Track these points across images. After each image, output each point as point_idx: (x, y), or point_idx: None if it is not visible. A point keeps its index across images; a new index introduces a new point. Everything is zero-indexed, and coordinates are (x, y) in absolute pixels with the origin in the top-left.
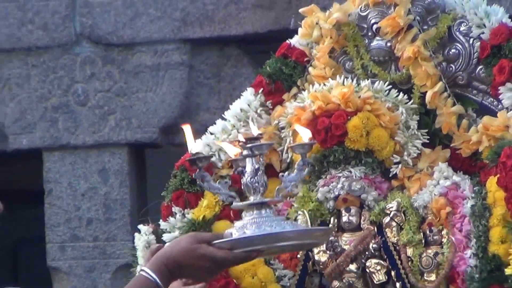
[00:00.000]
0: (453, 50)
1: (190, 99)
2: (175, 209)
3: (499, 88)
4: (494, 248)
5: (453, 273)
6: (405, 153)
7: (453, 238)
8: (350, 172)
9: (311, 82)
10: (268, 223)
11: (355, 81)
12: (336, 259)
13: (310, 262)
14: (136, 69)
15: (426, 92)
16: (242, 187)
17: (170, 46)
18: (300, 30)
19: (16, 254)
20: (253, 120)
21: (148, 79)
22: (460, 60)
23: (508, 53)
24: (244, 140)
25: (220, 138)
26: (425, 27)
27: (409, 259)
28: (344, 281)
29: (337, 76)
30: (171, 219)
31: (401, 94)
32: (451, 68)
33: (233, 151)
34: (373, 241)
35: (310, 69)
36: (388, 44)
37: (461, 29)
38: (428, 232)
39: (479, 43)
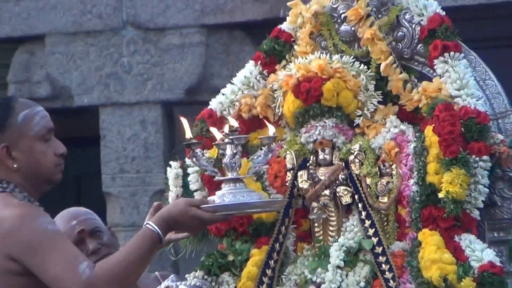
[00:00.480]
0: (400, 33)
1: (206, 69)
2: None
3: (434, 61)
4: (430, 179)
5: (400, 197)
6: (365, 108)
7: (400, 171)
8: (325, 122)
9: (296, 56)
10: (241, 194)
11: (328, 55)
12: (315, 186)
13: (296, 189)
14: (167, 47)
15: (381, 63)
16: (223, 166)
17: (192, 30)
18: (288, 18)
19: (79, 184)
20: (254, 84)
21: (176, 54)
22: (405, 40)
23: (440, 35)
24: (227, 132)
25: (229, 97)
26: (380, 16)
27: (368, 186)
28: (320, 202)
29: (315, 52)
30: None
31: (362, 65)
32: (398, 46)
33: (218, 136)
34: (341, 173)
35: (295, 47)
36: (353, 28)
37: (406, 17)
38: (382, 166)
39: (419, 27)
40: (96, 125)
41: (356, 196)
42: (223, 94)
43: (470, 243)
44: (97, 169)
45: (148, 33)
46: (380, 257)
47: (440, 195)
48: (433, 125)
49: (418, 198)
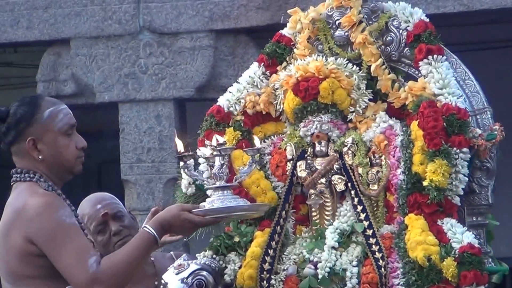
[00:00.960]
0: (388, 37)
1: (215, 69)
2: (207, 142)
3: (419, 62)
4: (415, 168)
5: (389, 184)
6: (357, 105)
7: (389, 162)
8: (321, 118)
9: (296, 58)
10: (229, 199)
11: (324, 58)
12: (312, 175)
13: (295, 177)
14: (179, 49)
15: (371, 65)
16: (212, 175)
17: (202, 34)
18: (288, 24)
19: (100, 172)
20: (257, 83)
21: (187, 56)
22: (393, 44)
23: (425, 39)
24: (215, 145)
25: (235, 95)
26: (370, 22)
27: (360, 175)
28: (317, 189)
29: (313, 55)
30: (206, 143)
31: (355, 66)
32: (387, 49)
33: (207, 152)
34: (336, 163)
35: (295, 50)
36: (346, 33)
37: (394, 23)
38: (372, 157)
39: (406, 32)
40: (116, 119)
41: (349, 184)
42: (230, 92)
43: (451, 226)
44: (116, 159)
45: (163, 37)
46: (371, 239)
47: (425, 183)
48: (418, 120)
49: (404, 186)
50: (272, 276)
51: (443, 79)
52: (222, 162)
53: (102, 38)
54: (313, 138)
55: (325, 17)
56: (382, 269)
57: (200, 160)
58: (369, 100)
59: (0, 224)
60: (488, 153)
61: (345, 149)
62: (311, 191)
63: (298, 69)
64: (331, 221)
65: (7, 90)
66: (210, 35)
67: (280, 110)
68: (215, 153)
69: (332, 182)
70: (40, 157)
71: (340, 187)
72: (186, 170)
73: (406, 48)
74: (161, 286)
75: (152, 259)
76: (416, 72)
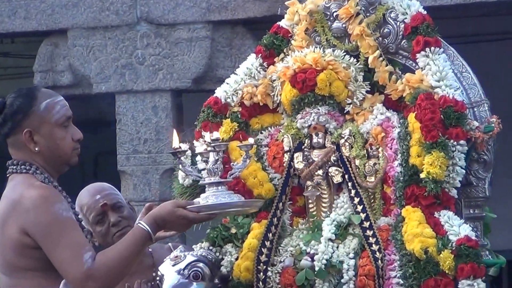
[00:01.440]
0: (386, 30)
1: (212, 60)
2: (204, 133)
3: (416, 55)
4: (412, 160)
5: (386, 176)
6: (355, 97)
7: (386, 154)
8: (319, 109)
9: (293, 50)
10: (223, 195)
11: (322, 49)
12: (309, 166)
13: (292, 169)
14: (176, 40)
15: (369, 57)
16: (206, 171)
17: (199, 26)
18: (285, 15)
19: (97, 163)
20: (255, 75)
21: (184, 47)
22: (391, 36)
23: (422, 31)
24: (209, 141)
25: (232, 86)
26: (368, 14)
27: (357, 167)
28: (314, 181)
29: (310, 46)
30: (201, 140)
31: (352, 58)
32: (385, 41)
33: (202, 148)
34: (333, 155)
35: (292, 41)
36: (344, 25)
37: (392, 15)
38: (369, 149)
39: (403, 25)
40: (113, 110)
41: (346, 176)
42: (227, 83)
43: (448, 219)
44: (113, 150)
45: (160, 28)
46: (368, 231)
47: (422, 175)
48: (416, 112)
49: (402, 178)
50: (269, 268)
51: (441, 72)
52: (217, 157)
53: (99, 29)
54: (310, 129)
55: (323, 9)
56: (379, 261)
57: (197, 150)
58: (367, 92)
59: None
60: (485, 146)
61: (342, 141)
62: (308, 182)
63: (295, 60)
64: (328, 213)
65: (4, 80)
66: (207, 26)
67: (278, 101)
68: (209, 148)
69: (329, 174)
70: (36, 149)
71: (337, 179)
72: (180, 166)
73: (404, 40)
74: (158, 278)
75: (150, 250)
76: (414, 64)
